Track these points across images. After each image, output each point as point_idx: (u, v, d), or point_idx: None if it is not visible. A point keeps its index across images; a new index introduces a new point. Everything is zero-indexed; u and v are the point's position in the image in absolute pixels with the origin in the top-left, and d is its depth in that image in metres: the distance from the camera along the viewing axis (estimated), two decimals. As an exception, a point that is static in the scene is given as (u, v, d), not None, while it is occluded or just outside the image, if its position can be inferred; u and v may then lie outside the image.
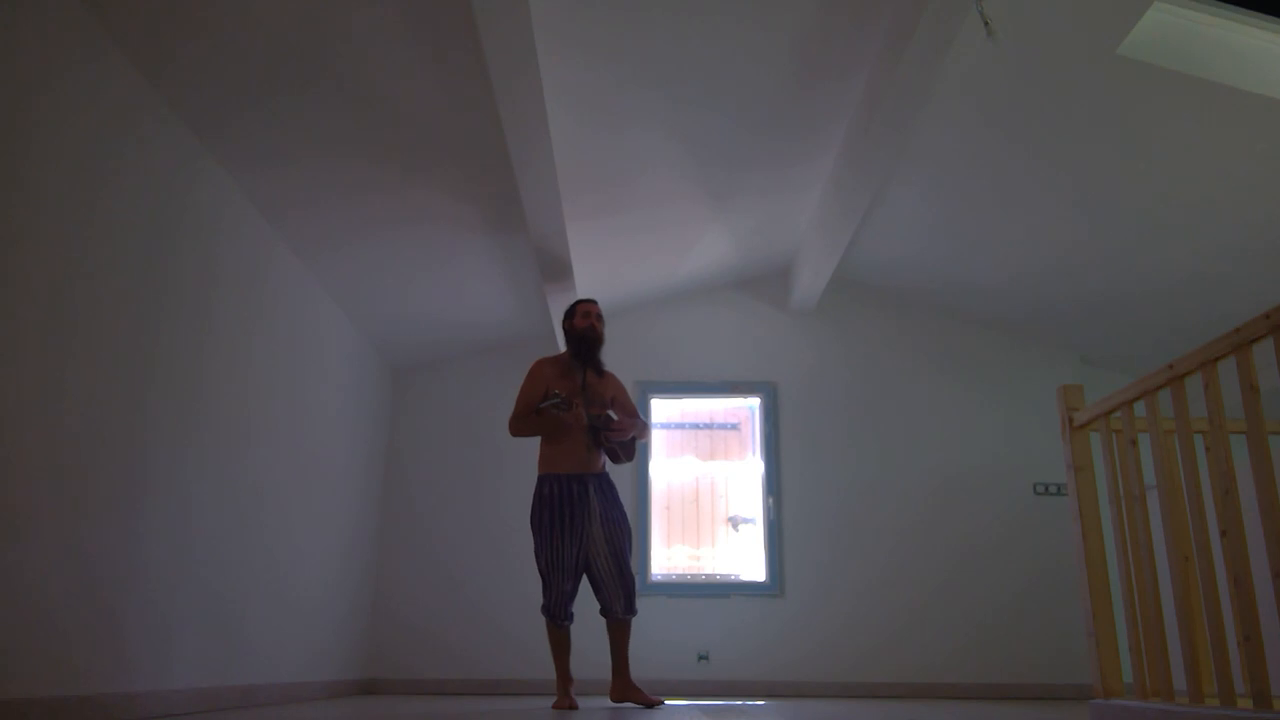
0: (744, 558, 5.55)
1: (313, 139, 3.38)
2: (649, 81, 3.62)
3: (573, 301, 3.95)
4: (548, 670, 5.19)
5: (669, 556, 5.55)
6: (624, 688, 3.63)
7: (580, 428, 3.64)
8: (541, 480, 3.63)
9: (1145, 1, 3.21)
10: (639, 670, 5.16)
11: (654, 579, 5.42)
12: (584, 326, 3.79)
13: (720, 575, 5.51)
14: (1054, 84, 3.68)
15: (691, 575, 5.50)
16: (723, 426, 5.79)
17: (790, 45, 3.51)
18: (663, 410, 5.80)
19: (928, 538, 5.45)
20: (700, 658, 5.19)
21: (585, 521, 3.55)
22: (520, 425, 3.66)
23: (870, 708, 3.82)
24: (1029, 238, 4.85)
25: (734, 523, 5.65)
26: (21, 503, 2.30)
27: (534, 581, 5.35)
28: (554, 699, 3.79)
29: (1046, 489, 5.56)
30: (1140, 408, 4.19)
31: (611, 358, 5.76)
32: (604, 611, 3.60)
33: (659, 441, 5.75)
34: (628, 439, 3.74)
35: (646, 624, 5.27)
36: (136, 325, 2.82)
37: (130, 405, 2.78)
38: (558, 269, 4.39)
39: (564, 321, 3.90)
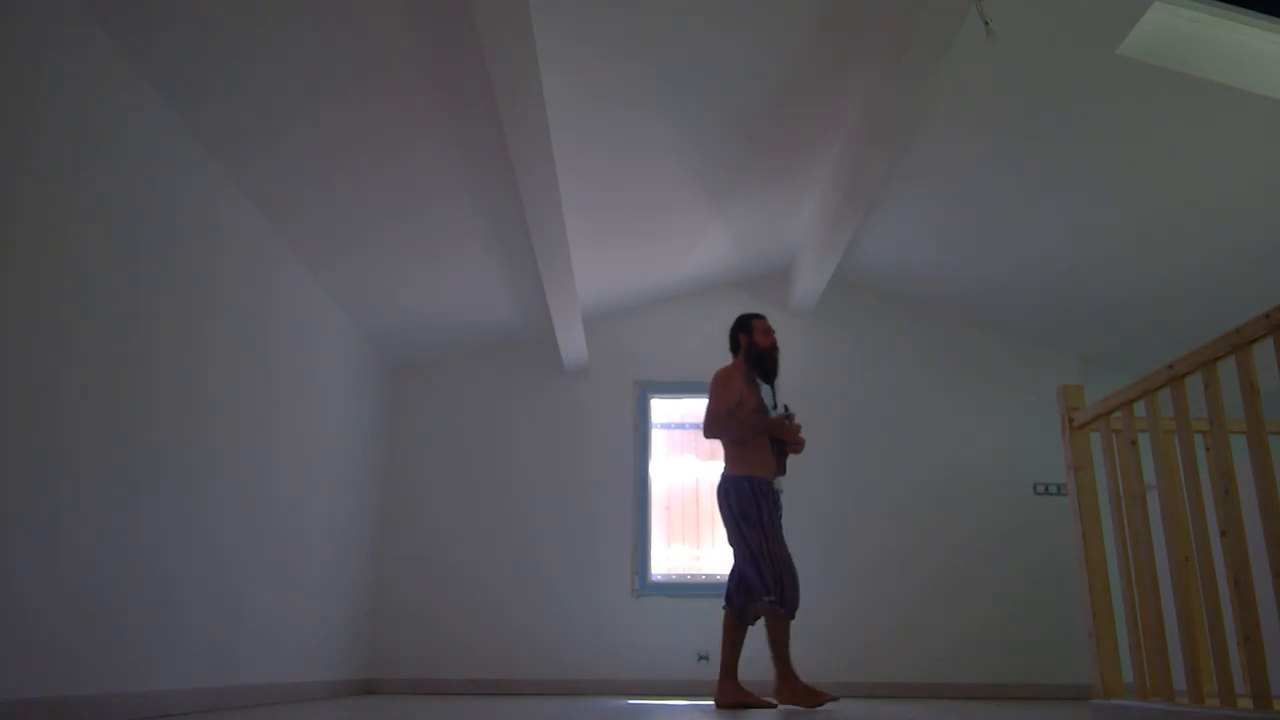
0: (744, 558, 5.55)
1: (314, 138, 3.38)
2: (650, 82, 3.62)
3: (745, 315, 3.98)
4: (548, 670, 5.20)
5: (669, 556, 5.55)
6: (720, 688, 3.63)
7: (769, 437, 3.75)
8: (746, 480, 3.67)
9: (1145, 1, 3.21)
10: (638, 668, 5.17)
11: (654, 579, 5.43)
12: (768, 345, 3.88)
13: (720, 575, 5.51)
14: (1054, 84, 3.68)
15: (691, 575, 5.50)
16: (723, 426, 5.79)
17: (791, 46, 3.52)
18: (663, 410, 5.80)
19: (927, 537, 5.45)
20: (700, 658, 5.19)
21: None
22: (724, 429, 3.69)
23: (870, 708, 3.82)
24: (1028, 238, 4.85)
25: (734, 523, 5.64)
26: (20, 503, 2.30)
27: (534, 583, 5.37)
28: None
29: (1046, 489, 5.56)
30: (1140, 408, 4.19)
31: (612, 357, 5.77)
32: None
33: (659, 441, 5.75)
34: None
35: (647, 624, 5.27)
36: (136, 324, 2.81)
37: (129, 404, 2.78)
38: (558, 269, 4.39)
39: (739, 334, 3.93)
